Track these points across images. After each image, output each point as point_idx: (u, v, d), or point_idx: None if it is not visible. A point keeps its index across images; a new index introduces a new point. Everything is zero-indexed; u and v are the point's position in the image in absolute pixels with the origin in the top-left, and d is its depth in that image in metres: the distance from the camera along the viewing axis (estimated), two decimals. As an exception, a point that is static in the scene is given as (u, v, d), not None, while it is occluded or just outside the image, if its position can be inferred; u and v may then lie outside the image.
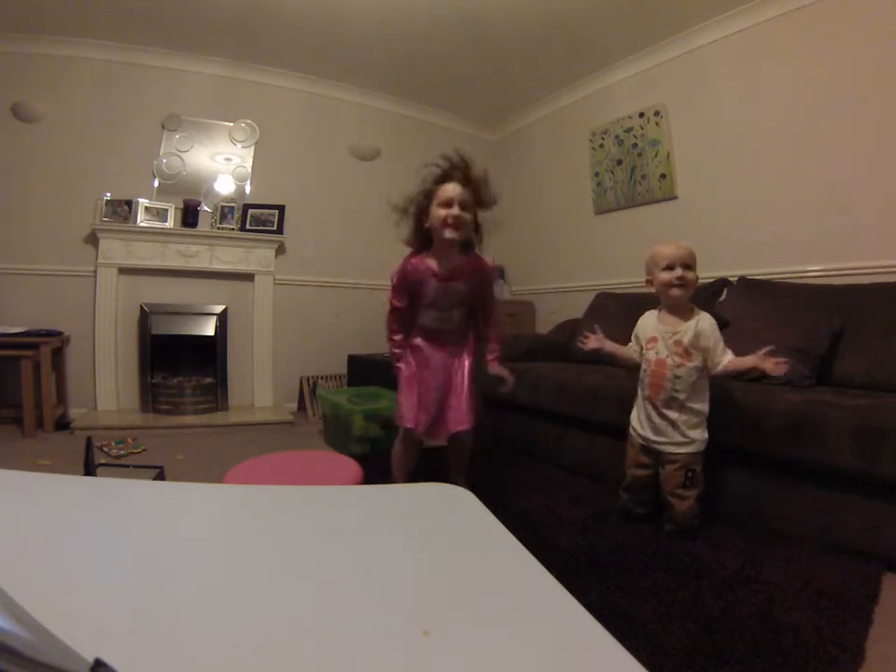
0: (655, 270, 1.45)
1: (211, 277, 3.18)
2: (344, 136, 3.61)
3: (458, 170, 1.51)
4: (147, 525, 0.44)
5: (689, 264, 1.41)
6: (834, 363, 1.78)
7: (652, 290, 1.49)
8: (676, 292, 1.41)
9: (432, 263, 1.55)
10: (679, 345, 1.41)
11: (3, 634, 0.17)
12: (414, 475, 1.69)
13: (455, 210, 1.46)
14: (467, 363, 1.64)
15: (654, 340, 1.47)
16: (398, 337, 1.66)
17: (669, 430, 1.42)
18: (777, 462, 1.45)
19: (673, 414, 1.42)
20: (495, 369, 1.65)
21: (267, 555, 0.39)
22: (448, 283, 1.55)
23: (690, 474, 1.40)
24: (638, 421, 1.51)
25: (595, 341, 1.58)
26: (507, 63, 3.18)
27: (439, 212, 1.48)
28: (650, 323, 1.51)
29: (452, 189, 1.48)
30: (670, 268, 1.41)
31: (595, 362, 2.51)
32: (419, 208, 1.54)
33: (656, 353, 1.45)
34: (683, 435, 1.41)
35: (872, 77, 2.10)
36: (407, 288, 1.59)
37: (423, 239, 1.57)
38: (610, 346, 1.58)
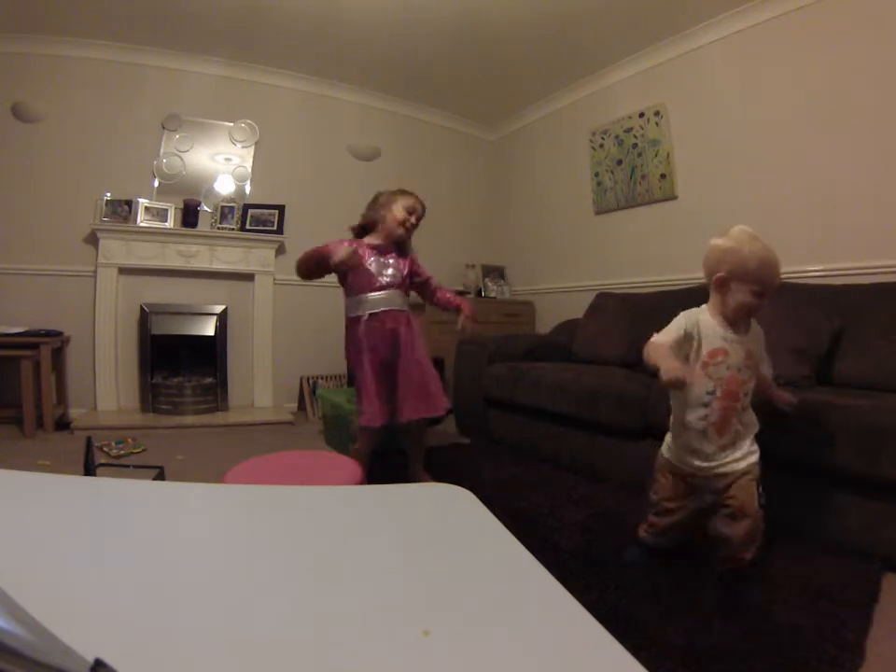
0: (740, 284, 1.12)
1: (211, 277, 3.18)
2: (344, 136, 3.61)
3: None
4: (147, 525, 0.44)
5: (772, 294, 1.14)
6: (834, 363, 1.78)
7: (711, 289, 1.19)
8: (744, 316, 1.16)
9: (370, 244, 1.82)
10: (749, 357, 1.16)
11: (3, 634, 0.17)
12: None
13: (413, 219, 1.81)
14: (416, 342, 1.79)
15: (723, 352, 1.15)
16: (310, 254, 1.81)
17: (728, 449, 1.17)
18: (777, 462, 1.44)
19: (734, 428, 1.18)
20: (465, 323, 1.86)
21: (267, 555, 0.39)
22: (389, 258, 1.82)
23: (761, 487, 1.16)
24: (692, 450, 1.19)
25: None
26: (507, 62, 3.18)
27: (399, 212, 1.79)
28: (711, 328, 1.16)
29: (417, 204, 1.83)
30: (759, 295, 1.11)
31: (595, 362, 2.52)
32: (380, 204, 1.84)
33: (727, 368, 1.14)
34: (751, 443, 1.19)
35: (872, 76, 2.10)
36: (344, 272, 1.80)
37: (362, 231, 1.89)
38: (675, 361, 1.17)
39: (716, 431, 1.16)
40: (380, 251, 1.82)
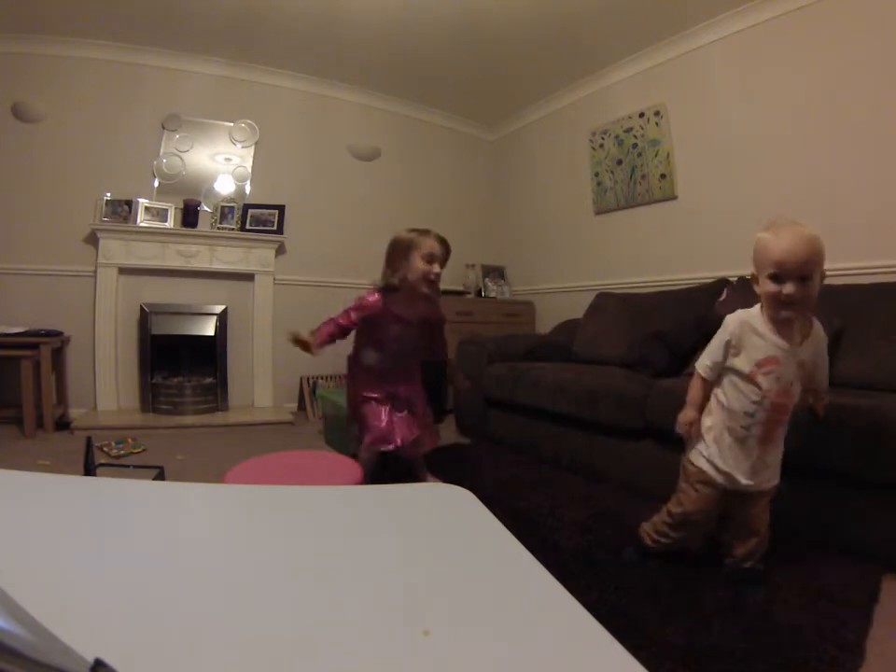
0: (760, 270, 1.05)
1: (211, 277, 3.18)
2: (344, 136, 3.61)
3: (427, 231, 1.66)
4: (147, 525, 0.44)
5: (807, 274, 0.99)
6: (834, 363, 1.77)
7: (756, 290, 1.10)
8: (784, 314, 1.04)
9: (399, 309, 1.67)
10: (802, 367, 1.08)
11: (3, 634, 0.17)
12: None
13: (437, 268, 1.63)
14: (421, 399, 1.82)
15: (774, 362, 1.06)
16: (333, 335, 1.68)
17: (762, 468, 1.12)
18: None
19: (776, 445, 1.14)
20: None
21: (267, 555, 0.39)
22: (410, 328, 1.70)
23: (772, 506, 1.17)
24: (731, 461, 1.11)
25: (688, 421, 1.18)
26: (507, 62, 3.18)
27: (420, 265, 1.61)
28: (760, 334, 1.07)
29: (434, 246, 1.62)
30: (777, 278, 1.01)
31: (594, 362, 2.52)
32: (398, 255, 1.65)
33: (777, 379, 1.06)
34: (776, 465, 1.15)
35: (872, 77, 2.10)
36: (365, 320, 1.68)
37: (389, 284, 1.67)
38: (694, 415, 1.17)
39: (758, 444, 1.09)
40: (406, 320, 1.68)
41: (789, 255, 0.99)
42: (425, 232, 1.65)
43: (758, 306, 1.10)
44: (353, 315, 1.67)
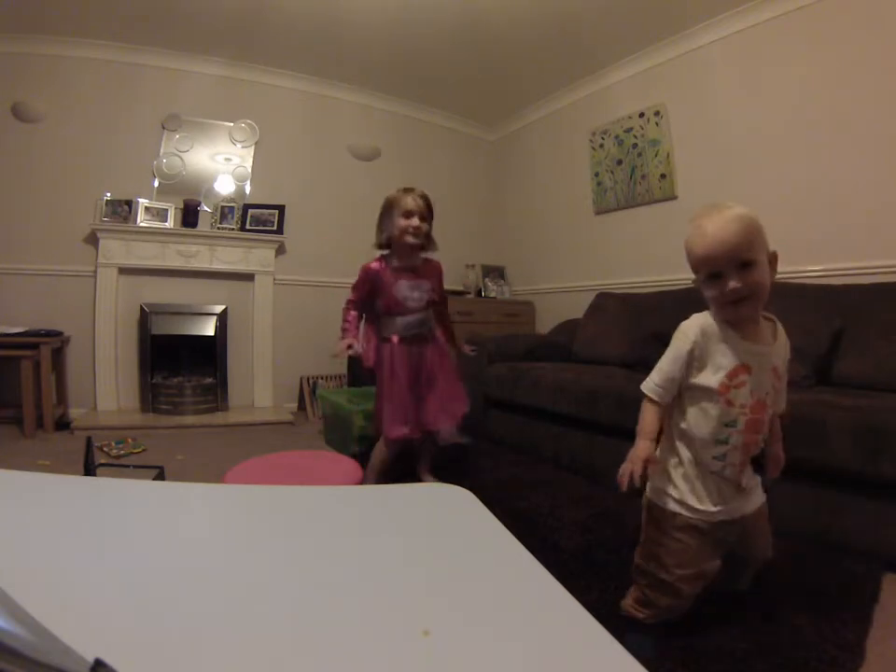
0: (697, 274, 0.91)
1: (211, 277, 3.18)
2: (344, 136, 3.61)
3: (410, 189, 1.77)
4: (147, 525, 0.44)
5: (747, 259, 0.83)
6: (834, 363, 1.78)
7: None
8: (738, 312, 0.87)
9: (396, 266, 1.77)
10: (774, 374, 0.92)
11: (3, 634, 0.17)
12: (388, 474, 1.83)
13: (416, 221, 1.72)
14: (447, 362, 1.84)
15: (745, 369, 0.88)
16: (353, 312, 1.80)
17: (751, 489, 0.96)
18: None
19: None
20: (463, 349, 1.99)
21: (267, 555, 0.39)
22: (416, 280, 1.77)
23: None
24: (713, 498, 0.92)
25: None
26: (507, 62, 3.18)
27: (401, 221, 1.71)
28: (726, 339, 0.89)
29: (410, 202, 1.72)
30: (713, 276, 0.86)
31: (594, 362, 2.52)
32: (384, 216, 1.78)
33: (751, 392, 0.89)
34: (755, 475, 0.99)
35: (872, 77, 2.10)
36: (368, 287, 1.78)
37: (386, 244, 1.79)
38: (649, 448, 0.93)
39: (737, 472, 0.92)
40: (403, 272, 1.77)
41: (716, 245, 0.84)
42: (405, 191, 1.76)
43: (705, 312, 0.93)
44: (359, 287, 1.78)
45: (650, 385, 0.95)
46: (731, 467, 0.91)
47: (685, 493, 0.92)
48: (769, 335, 0.93)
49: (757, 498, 0.98)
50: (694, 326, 0.91)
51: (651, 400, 0.95)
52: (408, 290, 1.76)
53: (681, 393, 0.94)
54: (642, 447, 0.92)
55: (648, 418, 0.94)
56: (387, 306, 1.77)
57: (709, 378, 0.90)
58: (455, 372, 1.87)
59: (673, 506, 0.93)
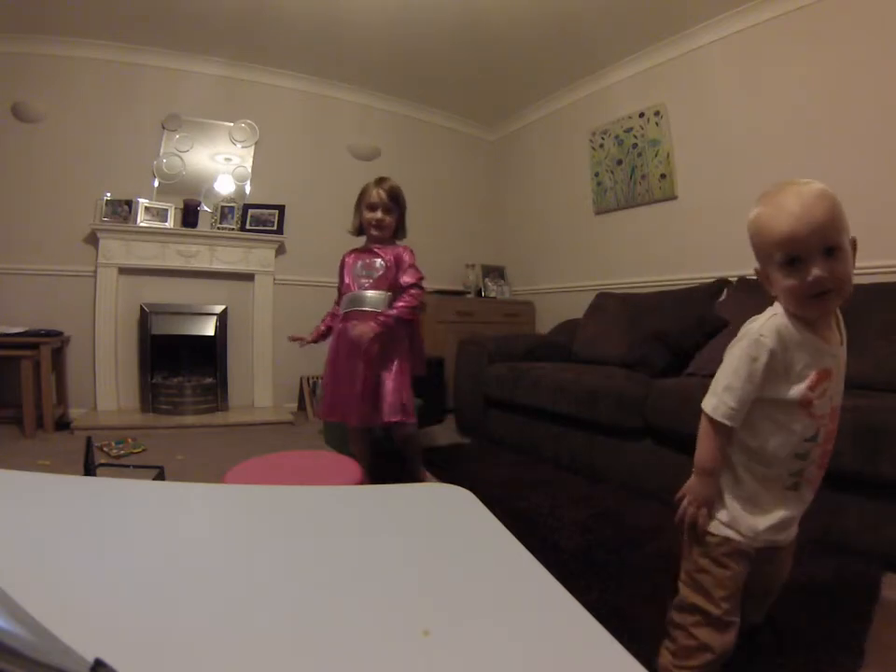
0: (767, 261, 0.75)
1: (211, 277, 3.18)
2: (344, 136, 3.61)
3: (382, 179, 1.82)
4: (147, 524, 0.44)
5: (834, 243, 0.69)
6: (834, 363, 1.77)
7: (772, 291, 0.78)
8: (818, 308, 0.73)
9: (359, 249, 1.88)
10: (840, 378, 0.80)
11: (3, 634, 0.17)
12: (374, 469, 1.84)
13: (378, 214, 1.77)
14: (382, 347, 1.76)
15: (827, 375, 0.75)
16: (336, 305, 1.91)
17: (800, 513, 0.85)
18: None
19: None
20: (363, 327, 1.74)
21: (267, 555, 0.39)
22: (370, 259, 1.82)
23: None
24: (775, 520, 0.79)
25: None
26: (507, 62, 3.18)
27: (365, 214, 1.79)
28: (806, 343, 0.74)
29: (376, 195, 1.77)
30: (793, 262, 0.71)
31: (594, 362, 2.52)
32: (356, 205, 1.87)
33: (830, 399, 0.77)
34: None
35: (872, 77, 2.10)
36: (340, 275, 1.89)
37: (358, 232, 1.90)
38: (715, 487, 0.80)
39: (811, 488, 0.81)
40: (362, 253, 1.86)
41: (800, 224, 0.69)
42: (375, 181, 1.81)
43: (772, 310, 0.77)
44: (339, 278, 1.89)
45: (722, 409, 0.76)
46: (806, 484, 0.80)
47: (738, 516, 0.79)
48: (837, 332, 0.79)
49: (795, 529, 0.86)
50: (770, 331, 0.74)
51: (718, 425, 0.77)
52: (360, 269, 1.82)
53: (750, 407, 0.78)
54: (707, 485, 0.79)
55: (715, 448, 0.78)
56: (344, 287, 1.85)
57: (790, 390, 0.75)
58: (393, 370, 1.76)
59: (724, 530, 0.79)
